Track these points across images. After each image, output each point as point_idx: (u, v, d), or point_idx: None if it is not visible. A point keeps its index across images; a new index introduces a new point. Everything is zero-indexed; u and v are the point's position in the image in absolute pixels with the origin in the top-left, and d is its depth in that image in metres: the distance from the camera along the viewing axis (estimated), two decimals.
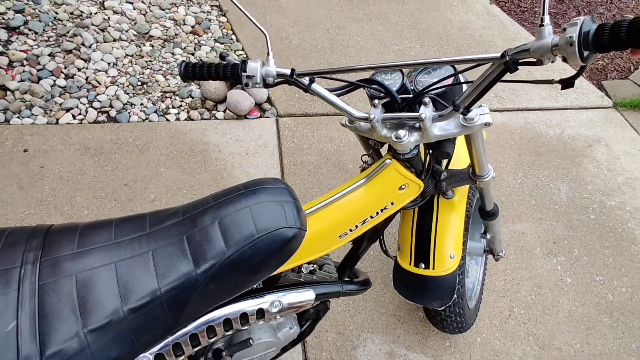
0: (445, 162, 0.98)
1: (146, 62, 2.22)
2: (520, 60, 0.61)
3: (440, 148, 0.85)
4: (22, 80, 1.97)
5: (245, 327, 0.82)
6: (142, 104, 2.04)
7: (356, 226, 0.89)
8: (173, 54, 2.28)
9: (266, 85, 0.84)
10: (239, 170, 1.88)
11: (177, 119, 2.03)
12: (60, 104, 1.95)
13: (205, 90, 2.08)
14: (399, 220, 1.11)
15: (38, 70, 2.03)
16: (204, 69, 0.85)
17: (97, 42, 2.22)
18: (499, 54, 0.62)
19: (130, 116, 1.99)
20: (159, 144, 1.91)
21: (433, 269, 1.00)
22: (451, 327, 1.28)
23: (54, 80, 2.01)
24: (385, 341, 1.47)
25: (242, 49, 2.41)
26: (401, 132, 0.79)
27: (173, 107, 2.06)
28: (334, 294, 0.93)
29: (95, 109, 1.98)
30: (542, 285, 1.69)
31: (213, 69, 0.85)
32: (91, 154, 1.82)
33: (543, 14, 0.58)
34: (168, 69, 2.21)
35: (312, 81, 0.82)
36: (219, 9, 2.62)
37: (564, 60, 0.55)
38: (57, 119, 1.91)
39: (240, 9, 0.84)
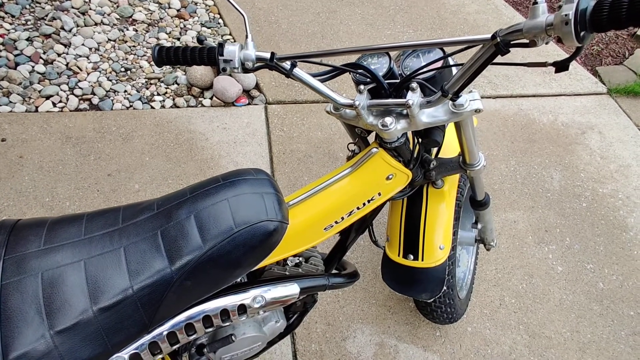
0: (434, 150, 0.95)
1: (129, 47, 2.14)
2: (512, 42, 0.57)
3: (429, 136, 0.81)
4: None
5: (227, 324, 0.79)
6: (125, 91, 1.97)
7: (342, 218, 0.85)
8: (158, 38, 2.21)
9: (245, 70, 0.79)
10: (226, 160, 1.83)
11: (162, 107, 1.97)
12: (40, 91, 1.88)
13: (191, 77, 2.01)
14: (388, 210, 1.08)
15: (15, 56, 1.94)
16: (179, 53, 0.80)
17: (78, 26, 2.13)
18: (489, 35, 0.58)
19: (113, 104, 1.92)
20: (144, 132, 1.86)
21: (422, 260, 0.98)
22: (441, 317, 1.26)
23: (33, 66, 1.93)
24: (375, 332, 1.45)
25: (230, 34, 2.33)
26: (388, 120, 0.75)
27: (158, 94, 1.99)
28: (319, 287, 0.90)
29: (77, 96, 1.91)
30: (533, 274, 1.68)
31: (189, 53, 0.80)
32: (73, 143, 1.76)
33: None
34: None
35: (293, 66, 0.78)
36: None
37: (559, 41, 0.52)
38: (37, 107, 1.84)
39: (232, 3, 0.79)
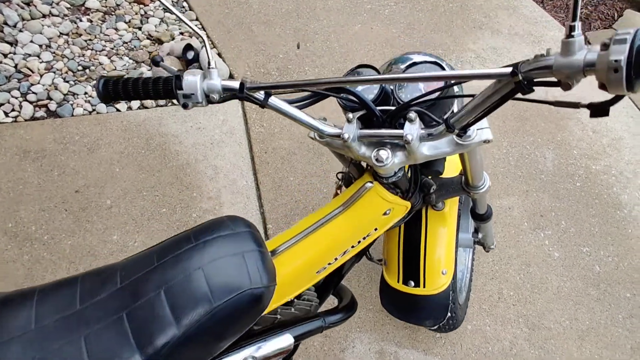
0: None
1: (85, 41, 1.93)
2: (537, 80, 0.46)
3: (429, 166, 0.71)
4: None
5: None
6: (86, 93, 1.79)
7: (336, 259, 0.76)
8: (117, 29, 1.99)
9: (210, 102, 0.67)
10: (203, 164, 1.70)
11: (129, 108, 1.80)
12: None
13: (157, 72, 1.83)
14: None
15: None
16: (129, 87, 0.67)
17: (24, 19, 1.90)
18: (507, 69, 0.47)
19: (73, 109, 1.74)
20: (111, 139, 1.70)
21: (424, 287, 0.90)
22: (444, 327, 1.21)
23: None
24: (375, 339, 1.41)
25: (197, 19, 2.13)
26: (383, 153, 0.64)
27: None
28: (315, 331, 0.82)
29: (31, 102, 1.72)
30: (530, 262, 1.64)
31: (140, 86, 0.67)
32: (32, 158, 1.60)
33: (573, 19, 0.42)
34: (113, 48, 1.94)
35: (268, 95, 0.65)
36: None
37: (601, 87, 0.41)
38: None
39: (171, 11, 0.65)
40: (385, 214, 0.73)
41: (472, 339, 1.44)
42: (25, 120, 1.69)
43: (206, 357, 0.64)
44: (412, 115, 0.60)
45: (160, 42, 1.97)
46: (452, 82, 0.61)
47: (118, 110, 1.78)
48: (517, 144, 1.99)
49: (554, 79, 0.45)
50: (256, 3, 2.28)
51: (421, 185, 0.80)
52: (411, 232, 0.91)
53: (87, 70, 1.85)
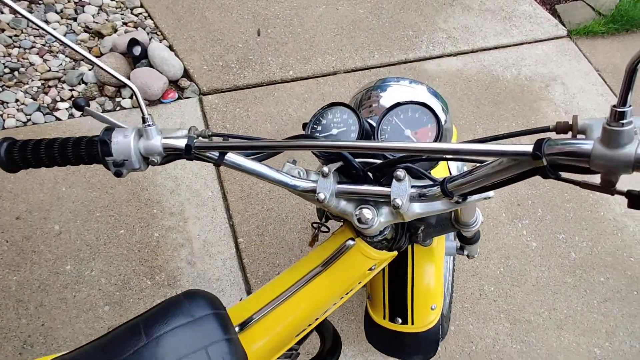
0: None
1: (10, 37, 1.67)
2: (565, 164, 0.37)
3: (421, 219, 0.62)
4: None
5: None
6: (17, 100, 1.56)
7: (317, 319, 0.67)
8: (47, 21, 1.73)
9: (152, 164, 0.54)
10: (162, 176, 1.54)
11: (71, 115, 1.59)
12: None
13: (99, 73, 1.62)
14: None
15: None
16: (41, 153, 0.52)
17: None
18: (527, 148, 0.37)
19: (4, 120, 1.52)
20: None
21: (412, 324, 0.84)
22: None
23: None
24: (359, 351, 1.36)
25: (141, 5, 1.89)
26: (367, 213, 0.54)
27: (62, 100, 1.60)
28: None
29: None
30: (509, 255, 1.63)
31: (57, 149, 0.52)
32: None
33: (622, 103, 0.32)
34: (45, 45, 1.69)
35: (223, 154, 0.53)
36: None
37: None
38: None
39: (98, 65, 0.50)
40: (370, 269, 0.64)
41: (455, 340, 1.43)
42: None
43: None
44: (401, 174, 0.50)
45: (100, 35, 1.74)
46: (450, 156, 0.51)
47: (58, 119, 1.57)
48: (492, 130, 1.94)
49: (586, 166, 0.36)
50: None
51: (409, 226, 0.71)
52: (397, 268, 0.83)
53: (17, 73, 1.61)
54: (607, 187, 0.35)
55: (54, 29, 1.66)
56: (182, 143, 0.52)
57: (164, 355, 0.50)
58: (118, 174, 0.52)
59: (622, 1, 2.48)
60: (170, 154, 0.53)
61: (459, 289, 1.52)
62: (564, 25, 2.41)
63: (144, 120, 0.51)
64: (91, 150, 0.51)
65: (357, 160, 0.55)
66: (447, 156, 0.53)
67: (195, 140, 0.52)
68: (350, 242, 0.61)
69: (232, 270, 1.42)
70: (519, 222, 1.71)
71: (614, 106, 0.32)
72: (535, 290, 1.57)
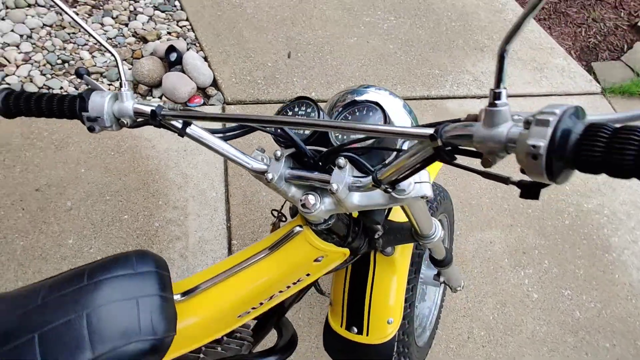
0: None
1: (68, 34, 1.88)
2: (460, 147, 0.39)
3: (367, 214, 0.64)
4: None
5: None
6: (62, 88, 1.73)
7: (261, 303, 0.69)
8: (102, 24, 1.94)
9: (122, 126, 0.60)
10: (174, 171, 1.63)
11: None
12: None
13: (137, 72, 1.77)
14: None
15: None
16: (32, 103, 0.60)
17: (7, 7, 1.85)
18: (428, 131, 0.40)
19: None
20: (81, 138, 1.64)
21: (367, 335, 0.83)
22: None
23: None
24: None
25: (187, 19, 2.07)
26: (310, 199, 0.57)
27: None
28: None
29: None
30: (506, 302, 1.55)
31: (44, 103, 0.60)
32: None
33: (497, 85, 0.35)
34: (96, 44, 1.88)
35: (187, 124, 0.58)
36: None
37: (523, 171, 0.34)
38: None
39: (85, 29, 0.58)
40: (317, 260, 0.65)
41: None
42: None
43: None
44: (342, 161, 0.53)
45: (145, 40, 1.92)
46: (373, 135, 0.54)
47: None
48: (507, 174, 1.90)
49: (472, 148, 0.38)
50: (251, 7, 2.22)
51: (366, 228, 0.72)
52: (357, 275, 0.83)
53: (67, 65, 1.80)
54: (486, 165, 0.36)
55: (106, 31, 1.85)
56: (149, 110, 0.57)
57: (96, 297, 0.54)
58: (91, 129, 0.58)
59: None
60: (140, 119, 0.59)
61: (447, 328, 1.46)
62: (598, 82, 2.37)
63: (121, 85, 0.58)
64: (72, 106, 0.58)
65: (310, 148, 0.58)
66: (359, 135, 0.55)
67: (162, 109, 0.57)
68: (298, 229, 0.64)
69: None
70: (521, 271, 1.64)
71: (492, 89, 0.35)
72: (529, 343, 1.47)
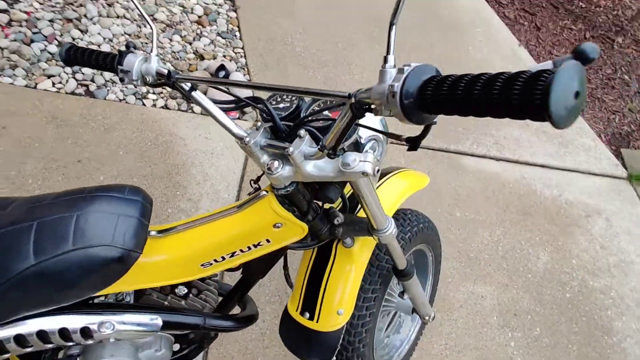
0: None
1: (142, 43, 2.21)
2: (366, 107, 0.50)
3: (323, 190, 0.74)
4: (14, 40, 1.99)
5: (71, 343, 0.73)
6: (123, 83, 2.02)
7: (223, 258, 0.78)
8: (171, 40, 2.26)
9: (145, 83, 0.76)
10: (197, 169, 1.81)
11: (154, 105, 1.99)
12: (44, 70, 1.95)
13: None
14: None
15: (33, 34, 2.05)
16: (85, 55, 0.79)
17: (101, 15, 2.23)
18: (347, 92, 0.51)
19: (108, 94, 1.96)
20: (127, 126, 1.88)
21: (317, 321, 0.88)
22: None
23: (45, 46, 2.02)
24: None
25: (242, 47, 2.36)
26: (275, 163, 0.68)
27: (153, 93, 2.02)
28: (189, 326, 0.83)
29: (77, 80, 1.97)
30: (486, 358, 1.51)
31: (94, 56, 0.78)
32: (57, 124, 1.81)
33: (387, 52, 0.47)
34: (160, 54, 2.19)
35: (193, 88, 0.73)
36: (231, 3, 2.59)
37: (407, 140, 0.44)
38: (36, 84, 1.91)
39: (135, 5, 0.77)
40: (276, 226, 0.75)
41: None
42: (66, 93, 1.93)
43: (55, 302, 0.67)
44: (302, 132, 0.65)
45: (202, 58, 2.20)
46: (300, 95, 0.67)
47: (144, 104, 1.98)
48: (512, 236, 1.91)
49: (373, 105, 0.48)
50: (300, 47, 2.49)
51: (328, 214, 0.81)
52: (319, 262, 0.90)
53: None
54: (376, 114, 0.46)
55: (172, 45, 2.15)
56: (166, 71, 0.73)
57: (88, 205, 0.67)
58: (122, 80, 0.75)
59: None
60: (160, 80, 0.75)
61: None
62: (625, 168, 2.36)
63: (151, 51, 0.75)
64: (112, 60, 0.75)
65: (285, 123, 0.71)
66: (328, 113, 0.68)
67: (177, 74, 0.73)
68: (264, 193, 0.74)
69: None
70: (509, 332, 1.60)
71: (384, 54, 0.46)
72: None
